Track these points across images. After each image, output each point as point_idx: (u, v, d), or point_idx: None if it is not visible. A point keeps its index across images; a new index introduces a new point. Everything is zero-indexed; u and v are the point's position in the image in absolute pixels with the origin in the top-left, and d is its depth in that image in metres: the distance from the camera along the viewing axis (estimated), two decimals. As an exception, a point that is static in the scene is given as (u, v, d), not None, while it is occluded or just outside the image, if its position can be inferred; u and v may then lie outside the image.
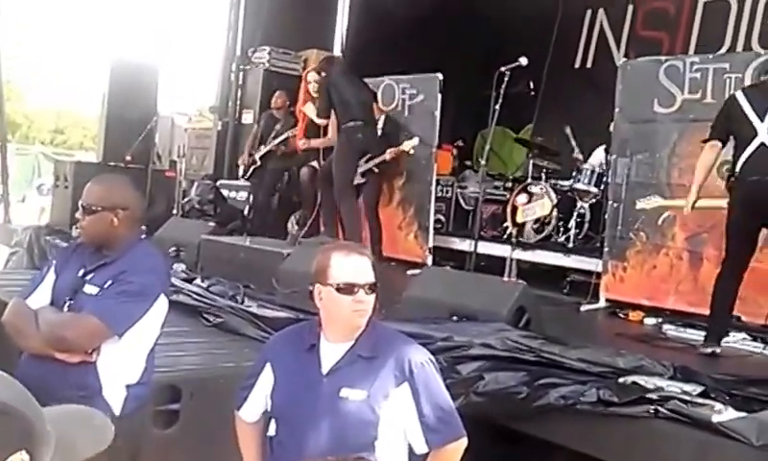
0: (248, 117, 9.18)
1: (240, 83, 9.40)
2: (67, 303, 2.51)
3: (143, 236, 2.83)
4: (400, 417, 2.19)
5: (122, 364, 2.50)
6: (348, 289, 2.23)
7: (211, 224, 7.05)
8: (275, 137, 7.74)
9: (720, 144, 4.15)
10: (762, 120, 3.90)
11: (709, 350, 3.87)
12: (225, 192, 8.36)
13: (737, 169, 3.96)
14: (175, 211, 7.99)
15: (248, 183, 8.14)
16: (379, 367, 2.20)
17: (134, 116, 8.01)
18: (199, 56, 30.44)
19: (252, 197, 8.03)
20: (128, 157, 7.66)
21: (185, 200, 8.35)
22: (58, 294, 2.56)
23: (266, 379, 2.33)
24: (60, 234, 7.01)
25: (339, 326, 2.27)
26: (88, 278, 2.55)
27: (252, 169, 7.97)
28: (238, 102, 9.33)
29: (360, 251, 2.37)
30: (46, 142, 27.31)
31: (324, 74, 6.47)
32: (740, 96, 4.07)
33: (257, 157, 7.88)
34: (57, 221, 7.75)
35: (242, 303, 4.84)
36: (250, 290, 5.01)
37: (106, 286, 2.49)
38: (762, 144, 3.87)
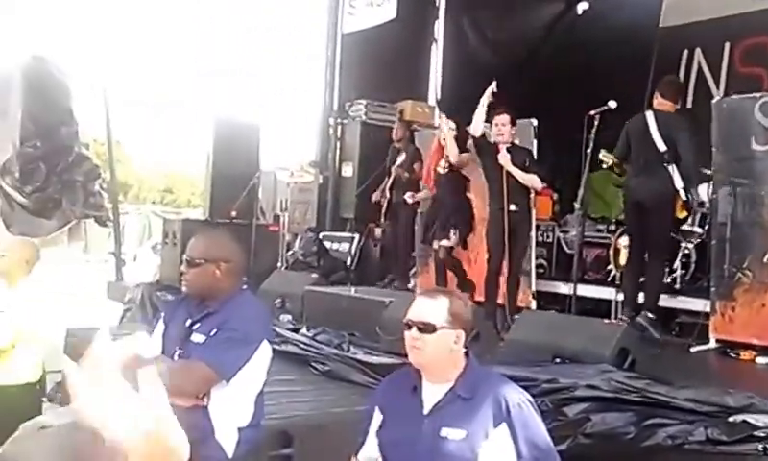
0: (347, 170, 9.41)
1: (338, 136, 9.63)
2: (177, 352, 2.67)
3: (245, 287, 3.02)
4: (499, 457, 2.21)
5: (232, 408, 2.64)
6: (405, 326, 2.36)
7: (315, 275, 7.30)
8: (399, 166, 7.71)
9: None
10: None
11: None
12: (327, 244, 8.62)
13: None
14: (279, 264, 8.20)
15: (350, 235, 8.34)
16: (478, 407, 2.25)
17: (238, 173, 8.27)
18: (298, 112, 31.50)
19: (355, 247, 8.17)
20: (233, 213, 7.89)
21: (289, 252, 8.58)
22: (167, 343, 2.73)
23: (377, 423, 2.44)
24: (170, 290, 7.22)
25: (414, 365, 2.36)
26: (195, 327, 2.70)
27: (386, 206, 7.86)
28: (337, 155, 9.56)
29: (432, 294, 2.46)
30: (156, 202, 28.45)
31: None
32: None
33: (387, 190, 7.79)
34: (166, 277, 7.96)
35: (348, 350, 5.02)
36: (355, 338, 5.18)
37: (212, 334, 2.64)
38: None
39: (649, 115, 5.60)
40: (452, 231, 6.25)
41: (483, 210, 6.39)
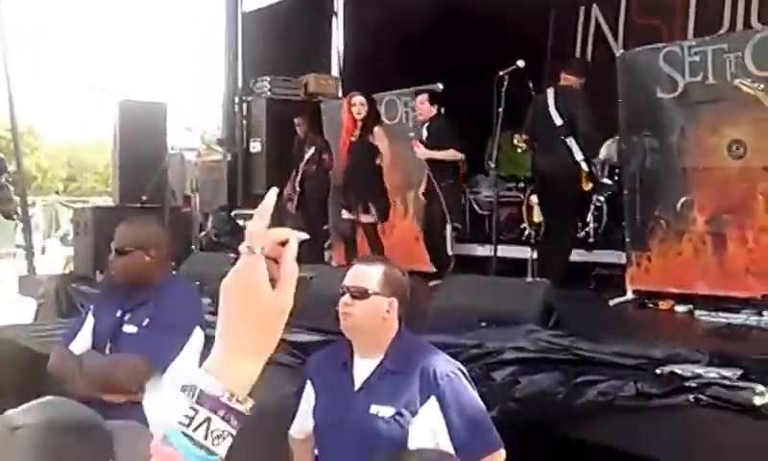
0: (256, 146, 9.29)
1: (245, 113, 9.55)
2: (108, 345, 2.59)
3: (174, 272, 2.90)
4: (431, 431, 2.17)
5: (166, 400, 2.52)
6: (341, 292, 2.31)
7: (232, 255, 7.07)
8: (306, 162, 7.74)
9: None
10: None
11: None
12: (241, 222, 8.40)
13: None
14: (193, 246, 8.02)
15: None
16: (407, 381, 2.21)
17: (146, 155, 8.07)
18: (202, 89, 30.77)
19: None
20: (143, 197, 7.73)
21: (202, 233, 8.40)
22: (98, 337, 2.65)
23: (308, 397, 2.40)
24: (84, 281, 7.05)
25: (345, 333, 2.32)
26: (126, 318, 2.63)
27: (296, 201, 7.85)
28: (245, 132, 9.46)
29: (369, 261, 2.45)
30: (60, 192, 27.63)
31: None
32: None
33: (296, 184, 7.80)
34: (80, 268, 7.81)
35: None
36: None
37: (144, 325, 2.58)
38: None
39: (549, 92, 5.71)
40: (371, 206, 6.28)
41: (397, 178, 6.34)
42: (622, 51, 6.05)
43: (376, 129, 6.35)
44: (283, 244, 0.85)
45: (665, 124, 5.28)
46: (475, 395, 2.26)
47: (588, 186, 5.74)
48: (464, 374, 2.28)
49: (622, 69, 5.53)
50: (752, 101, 4.75)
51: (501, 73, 5.45)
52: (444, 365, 2.25)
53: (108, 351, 2.60)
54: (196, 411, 0.80)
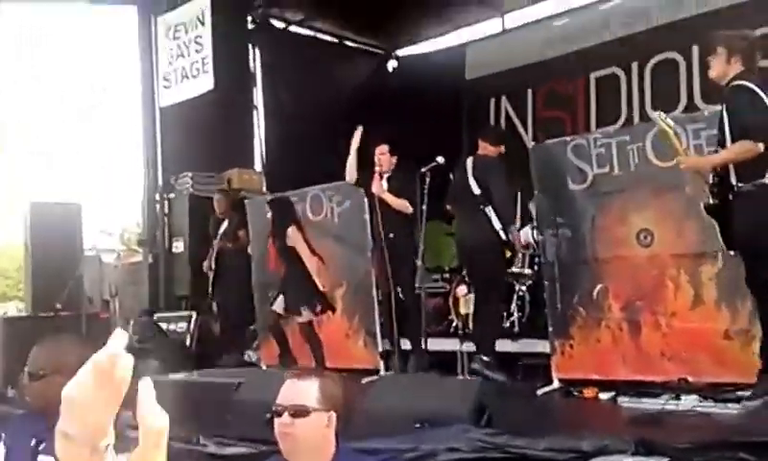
0: (178, 245, 9.08)
1: (166, 212, 9.34)
2: None
3: None
4: None
5: None
6: (276, 412, 2.20)
7: (154, 362, 6.87)
8: (221, 238, 7.77)
9: None
10: None
11: None
12: (164, 325, 8.20)
13: None
14: None
15: (187, 313, 8.03)
16: None
17: (60, 260, 7.81)
18: (120, 190, 30.17)
19: (193, 326, 7.92)
20: (58, 305, 7.43)
21: (121, 342, 8.08)
22: None
23: None
24: None
25: (285, 454, 2.20)
26: (42, 447, 2.41)
27: (212, 278, 7.86)
28: (166, 231, 9.26)
29: (301, 375, 2.32)
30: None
31: None
32: None
33: (212, 262, 7.77)
34: None
35: (197, 442, 4.70)
36: (204, 428, 4.87)
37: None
38: None
39: (468, 161, 5.85)
40: (302, 307, 6.24)
41: (326, 276, 6.36)
42: (533, 143, 6.33)
43: (289, 230, 6.34)
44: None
45: (578, 214, 5.50)
46: None
47: (507, 254, 5.86)
48: None
49: (535, 160, 5.75)
50: (656, 191, 5.07)
51: (423, 169, 5.61)
52: None
53: None
54: None
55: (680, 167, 4.26)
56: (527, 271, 6.47)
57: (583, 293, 5.40)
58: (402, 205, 6.14)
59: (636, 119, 8.17)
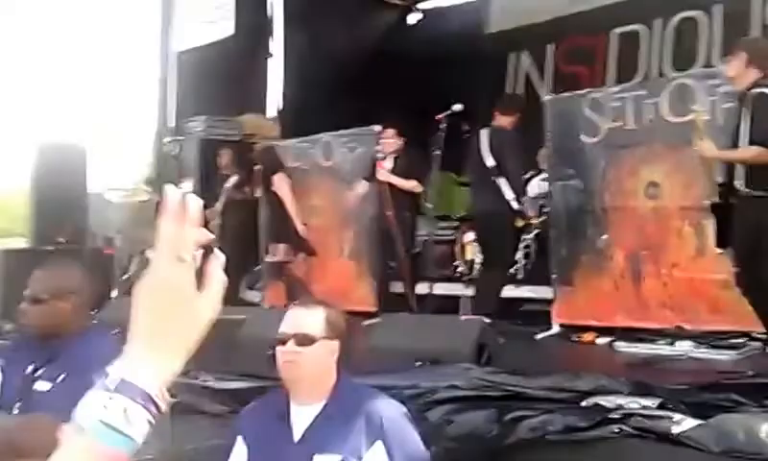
0: (186, 186, 8.99)
1: (176, 154, 9.22)
2: (17, 405, 2.37)
3: (94, 321, 2.76)
4: None
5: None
6: (279, 340, 2.21)
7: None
8: (228, 191, 7.77)
9: None
10: None
11: None
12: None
13: None
14: (114, 291, 7.69)
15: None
16: (351, 426, 2.15)
17: (63, 197, 7.77)
18: (131, 131, 30.18)
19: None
20: (60, 239, 7.38)
21: (124, 277, 8.10)
22: (6, 395, 2.43)
23: (238, 454, 2.28)
24: None
25: (286, 383, 2.24)
26: (39, 373, 2.41)
27: (219, 231, 7.71)
28: (175, 173, 9.10)
29: (307, 304, 2.35)
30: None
31: None
32: None
33: (219, 207, 7.71)
34: None
35: (197, 378, 4.75)
36: (205, 363, 4.93)
37: (59, 380, 2.36)
38: None
39: (483, 133, 5.84)
40: (282, 247, 6.57)
41: (333, 218, 6.46)
42: (549, 97, 6.34)
43: (275, 177, 6.64)
44: (205, 248, 0.84)
45: (588, 166, 5.56)
46: (419, 440, 2.25)
47: (519, 224, 5.91)
48: (408, 418, 2.26)
49: (549, 114, 5.80)
50: (667, 146, 5.08)
51: (439, 116, 5.62)
52: (390, 409, 2.23)
53: (16, 412, 2.34)
54: (112, 399, 0.78)
55: (694, 150, 4.25)
56: (534, 220, 6.49)
57: (588, 241, 5.47)
58: (411, 185, 6.20)
59: (655, 77, 8.08)
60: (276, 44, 10.36)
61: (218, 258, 0.85)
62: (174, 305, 0.81)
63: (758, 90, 3.97)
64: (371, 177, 6.32)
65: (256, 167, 7.11)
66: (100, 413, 0.78)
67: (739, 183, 3.97)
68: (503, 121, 5.87)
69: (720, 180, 4.17)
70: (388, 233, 6.09)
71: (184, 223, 0.83)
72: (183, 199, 0.85)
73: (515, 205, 5.68)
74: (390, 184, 6.14)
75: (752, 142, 3.91)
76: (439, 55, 8.75)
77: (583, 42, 8.71)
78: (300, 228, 6.63)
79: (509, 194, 5.66)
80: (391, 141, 6.34)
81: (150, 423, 0.79)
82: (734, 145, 4.02)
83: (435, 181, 5.85)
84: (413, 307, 5.86)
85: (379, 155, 6.25)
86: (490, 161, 5.71)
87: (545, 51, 9.02)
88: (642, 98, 5.34)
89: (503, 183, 5.66)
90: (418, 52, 9.25)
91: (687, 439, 2.93)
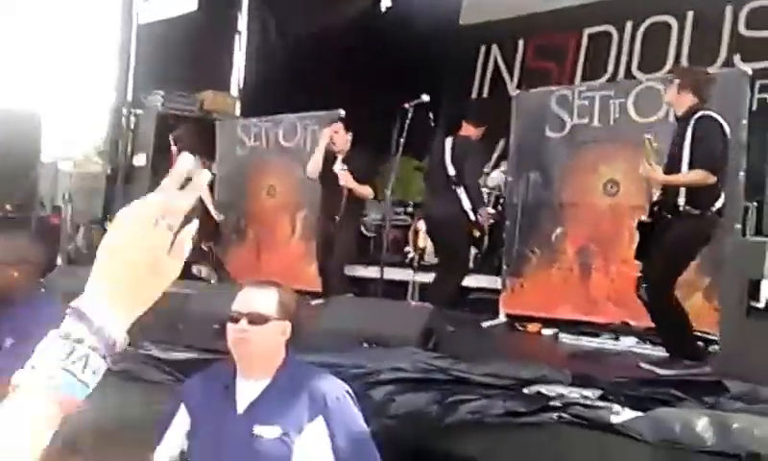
0: (140, 159, 8.84)
1: (132, 126, 9.10)
2: None
3: (42, 289, 2.75)
4: (316, 450, 2.18)
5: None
6: (232, 318, 2.26)
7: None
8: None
9: None
10: None
11: None
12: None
13: None
14: (60, 259, 7.56)
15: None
16: (295, 401, 2.21)
17: (15, 165, 7.69)
18: (87, 102, 29.51)
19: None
20: (7, 207, 7.36)
21: (70, 246, 8.01)
22: None
23: (181, 420, 2.32)
24: None
25: (235, 358, 2.28)
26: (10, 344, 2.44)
27: None
28: (129, 145, 9.01)
29: (260, 284, 2.38)
30: None
31: None
32: None
33: None
34: None
35: (141, 347, 4.69)
36: (150, 333, 4.86)
37: (7, 345, 2.40)
38: None
39: (447, 141, 5.78)
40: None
41: (288, 197, 6.37)
42: (518, 92, 6.36)
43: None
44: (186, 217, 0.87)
45: (549, 160, 5.60)
46: (360, 417, 2.29)
47: (476, 233, 5.88)
48: (351, 397, 2.30)
49: (517, 108, 5.82)
50: (629, 145, 5.11)
51: (407, 105, 5.55)
52: (333, 387, 2.28)
53: None
54: (75, 348, 0.81)
55: (639, 171, 4.27)
56: (490, 210, 6.50)
57: (542, 235, 5.50)
58: (366, 192, 6.08)
59: (621, 78, 8.16)
60: (242, 22, 10.24)
61: (192, 227, 0.88)
62: (148, 265, 0.84)
63: (704, 114, 4.01)
64: (328, 173, 6.13)
65: (173, 147, 6.93)
66: (61, 360, 0.80)
67: (681, 201, 4.00)
68: (470, 131, 5.81)
69: (655, 198, 4.17)
70: (329, 238, 6.04)
71: (184, 190, 0.86)
72: (193, 170, 0.88)
73: (471, 215, 5.64)
74: (349, 190, 6.03)
75: (692, 165, 3.96)
76: (409, 43, 8.71)
77: (554, 39, 8.75)
78: (215, 217, 6.65)
79: (466, 204, 5.62)
80: (338, 136, 6.14)
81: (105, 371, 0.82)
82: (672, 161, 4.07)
83: (395, 167, 5.77)
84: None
85: (334, 146, 6.11)
86: (451, 170, 5.66)
87: (516, 45, 9.03)
88: (610, 98, 5.41)
89: (461, 193, 5.62)
90: (388, 39, 9.20)
91: (625, 429, 2.96)
